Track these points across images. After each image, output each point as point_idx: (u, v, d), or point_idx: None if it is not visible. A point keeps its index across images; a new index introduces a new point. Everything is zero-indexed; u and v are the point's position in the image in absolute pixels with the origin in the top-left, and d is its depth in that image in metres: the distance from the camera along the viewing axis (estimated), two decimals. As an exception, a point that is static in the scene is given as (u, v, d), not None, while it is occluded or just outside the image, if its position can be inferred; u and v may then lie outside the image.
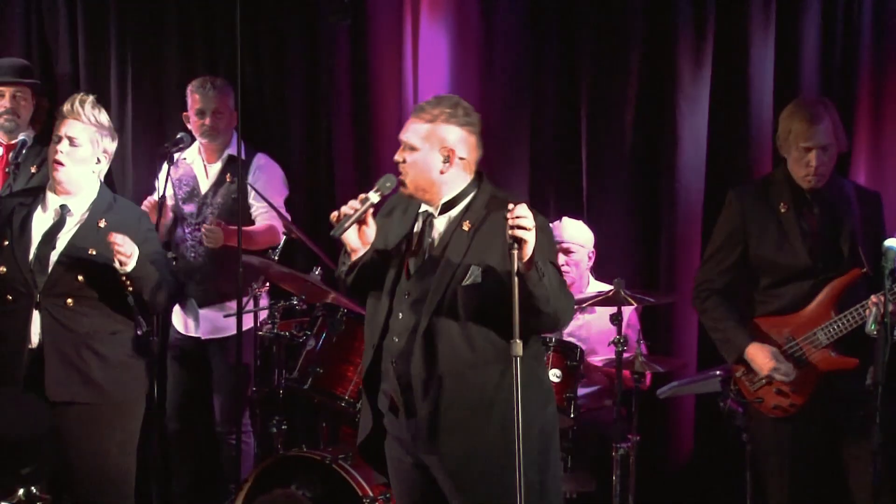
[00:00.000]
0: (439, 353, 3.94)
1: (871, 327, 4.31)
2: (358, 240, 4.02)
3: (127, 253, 4.48)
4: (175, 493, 6.19)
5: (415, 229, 4.08)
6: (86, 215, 4.67)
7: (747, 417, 4.95)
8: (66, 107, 4.64)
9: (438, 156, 3.97)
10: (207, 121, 5.86)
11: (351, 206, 3.97)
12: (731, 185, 5.57)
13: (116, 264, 4.50)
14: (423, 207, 4.08)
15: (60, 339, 4.58)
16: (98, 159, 4.67)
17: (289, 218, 5.86)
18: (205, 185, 5.96)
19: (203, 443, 6.18)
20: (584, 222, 5.99)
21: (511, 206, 3.69)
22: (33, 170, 5.69)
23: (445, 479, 4.00)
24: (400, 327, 4.02)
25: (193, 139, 5.96)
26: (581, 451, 5.49)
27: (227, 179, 5.88)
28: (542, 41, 6.23)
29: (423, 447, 4.02)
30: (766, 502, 4.86)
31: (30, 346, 4.60)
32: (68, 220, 4.66)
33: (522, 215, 3.65)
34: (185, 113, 6.05)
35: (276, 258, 5.74)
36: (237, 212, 5.58)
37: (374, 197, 3.98)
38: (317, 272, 5.66)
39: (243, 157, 5.85)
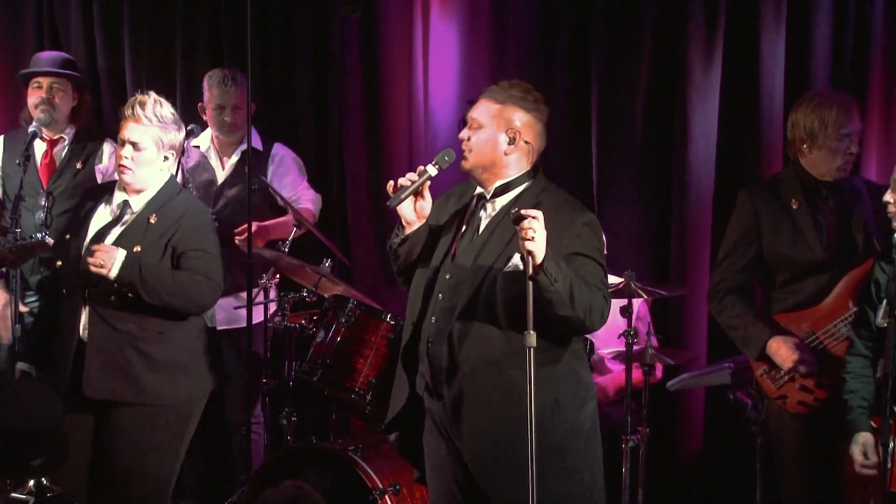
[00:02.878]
0: (472, 337, 3.97)
1: (880, 320, 4.29)
2: (413, 212, 4.08)
3: (98, 264, 4.47)
4: (186, 484, 6.19)
5: (468, 211, 4.13)
6: (139, 211, 4.66)
7: (761, 412, 4.95)
8: (127, 110, 4.65)
9: (504, 136, 4.02)
10: (227, 117, 5.87)
11: (408, 178, 4.02)
12: (742, 178, 5.70)
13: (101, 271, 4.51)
14: (478, 190, 4.12)
15: (103, 336, 4.59)
16: (165, 157, 4.66)
17: (297, 210, 5.86)
18: (220, 177, 5.96)
19: (214, 435, 6.16)
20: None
21: (513, 211, 3.72)
22: (78, 166, 5.73)
23: (472, 467, 4.02)
24: (439, 308, 4.06)
25: (203, 128, 5.96)
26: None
27: (246, 172, 5.87)
28: (552, 33, 6.21)
29: (452, 432, 4.05)
30: (780, 496, 4.84)
31: (77, 341, 4.61)
32: (126, 215, 4.66)
33: (527, 227, 3.68)
34: (200, 104, 6.06)
35: (287, 250, 5.74)
36: (257, 204, 5.58)
37: (431, 169, 4.03)
38: (327, 264, 5.66)
39: (260, 147, 5.90)
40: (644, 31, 6.08)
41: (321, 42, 6.53)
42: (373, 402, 5.28)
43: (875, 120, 5.79)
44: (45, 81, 5.87)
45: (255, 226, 5.68)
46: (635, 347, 5.32)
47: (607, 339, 5.65)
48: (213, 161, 5.98)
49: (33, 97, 5.88)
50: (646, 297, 5.38)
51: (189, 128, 5.66)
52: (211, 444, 6.19)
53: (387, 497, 4.92)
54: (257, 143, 5.95)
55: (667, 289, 5.55)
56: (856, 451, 4.28)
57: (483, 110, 4.06)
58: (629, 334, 5.28)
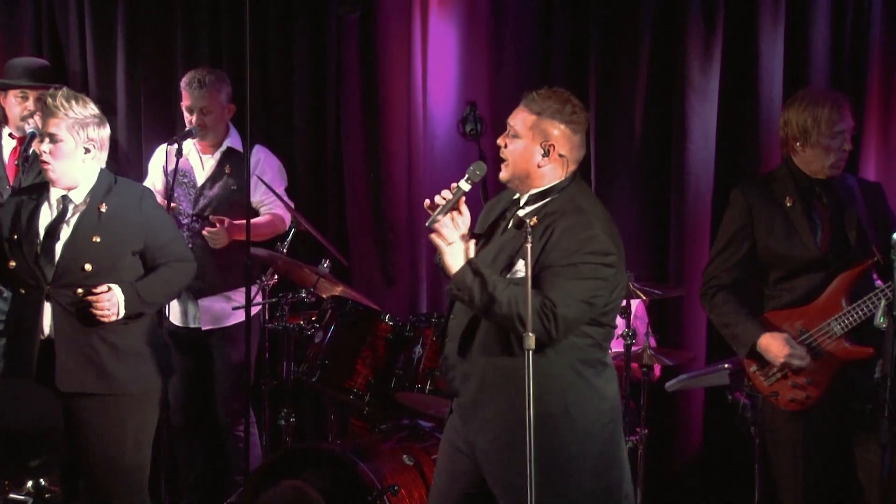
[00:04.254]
0: (481, 339, 4.05)
1: (879, 320, 4.28)
2: (453, 229, 4.07)
3: (107, 313, 4.54)
4: (183, 485, 6.19)
5: (502, 216, 4.21)
6: (86, 203, 4.68)
7: (759, 411, 4.93)
8: (41, 105, 4.66)
9: (539, 148, 4.06)
10: (194, 118, 5.85)
11: (443, 196, 4.05)
12: (741, 177, 5.67)
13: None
14: (515, 196, 4.19)
15: (71, 330, 4.60)
16: (86, 149, 4.66)
17: (292, 205, 5.86)
18: (201, 178, 5.95)
19: (209, 435, 6.16)
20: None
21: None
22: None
23: (482, 465, 4.07)
24: (460, 309, 4.13)
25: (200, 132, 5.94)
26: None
27: (226, 172, 5.87)
28: (550, 33, 6.19)
29: (464, 432, 4.12)
30: (777, 495, 4.84)
31: (42, 338, 4.62)
32: (70, 209, 4.67)
33: (435, 229, 3.91)
34: None
35: (285, 251, 5.74)
36: (235, 204, 5.57)
37: (464, 185, 4.06)
38: (326, 265, 5.66)
39: (244, 149, 5.80)
40: (642, 31, 6.06)
41: (319, 42, 6.51)
42: (371, 403, 5.29)
43: (874, 119, 5.79)
44: (31, 94, 5.91)
45: (226, 221, 5.69)
46: (634, 348, 5.32)
47: None
48: (194, 162, 5.96)
49: (19, 108, 5.92)
50: (644, 297, 5.37)
51: (187, 129, 5.78)
52: (206, 445, 6.19)
53: (385, 498, 4.91)
54: (237, 144, 5.94)
55: (665, 289, 5.55)
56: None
57: (520, 120, 4.09)
58: (627, 335, 5.27)
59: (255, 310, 5.78)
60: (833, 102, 4.64)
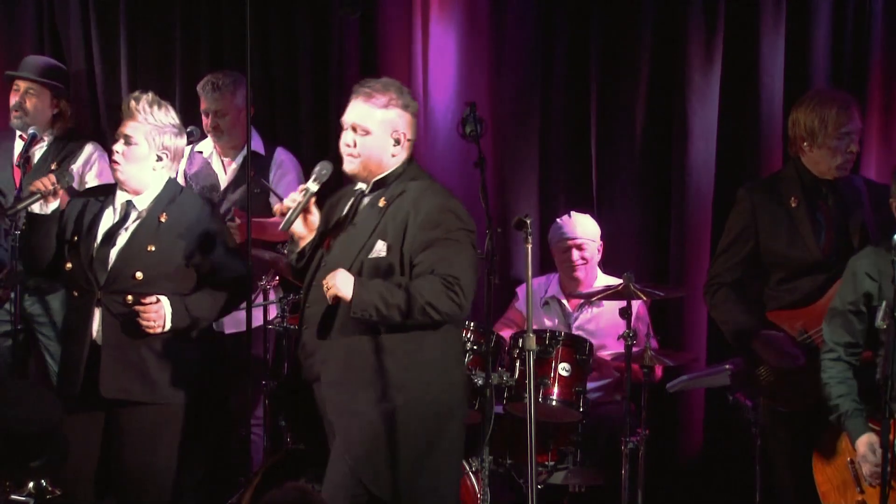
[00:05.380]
0: (338, 323, 4.19)
1: (879, 322, 4.27)
2: (304, 228, 4.32)
3: (153, 325, 4.54)
4: (186, 485, 6.16)
5: (349, 208, 4.38)
6: (147, 211, 4.67)
7: (758, 411, 4.94)
8: (123, 106, 4.66)
9: (391, 139, 4.23)
10: (209, 121, 5.86)
11: (292, 199, 4.22)
12: (742, 179, 5.66)
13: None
14: (358, 186, 4.35)
15: (118, 336, 4.58)
16: (158, 157, 4.64)
17: None
18: (223, 182, 5.95)
19: (214, 436, 6.05)
20: (594, 216, 6.00)
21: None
22: (53, 167, 5.70)
23: (337, 449, 4.25)
24: (314, 296, 4.27)
25: (204, 133, 5.95)
26: (590, 446, 5.49)
27: (250, 175, 5.86)
28: (551, 35, 6.21)
29: (326, 415, 4.29)
30: (776, 495, 4.84)
31: (92, 342, 4.61)
32: (132, 216, 4.66)
33: (328, 285, 4.07)
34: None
35: (287, 252, 5.72)
36: (259, 208, 5.58)
37: (312, 186, 4.27)
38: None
39: (262, 152, 5.89)
40: (643, 33, 6.08)
41: (321, 44, 6.50)
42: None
43: (874, 120, 5.79)
44: (22, 85, 5.88)
45: (255, 221, 5.69)
46: (634, 349, 5.31)
47: (607, 341, 5.71)
48: (216, 165, 5.96)
49: (11, 100, 5.91)
50: (645, 298, 5.37)
51: (188, 129, 5.69)
52: (209, 446, 6.05)
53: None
54: (259, 147, 5.94)
55: (666, 290, 5.54)
56: (868, 453, 4.28)
57: (367, 116, 4.23)
58: (628, 336, 5.26)
59: (261, 312, 5.75)
60: (841, 104, 4.64)
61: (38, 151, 5.81)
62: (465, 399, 4.43)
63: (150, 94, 4.66)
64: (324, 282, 4.10)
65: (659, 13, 6.07)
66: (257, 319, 5.65)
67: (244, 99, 5.76)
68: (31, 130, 5.60)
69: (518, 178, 6.23)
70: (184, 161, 5.76)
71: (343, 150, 4.27)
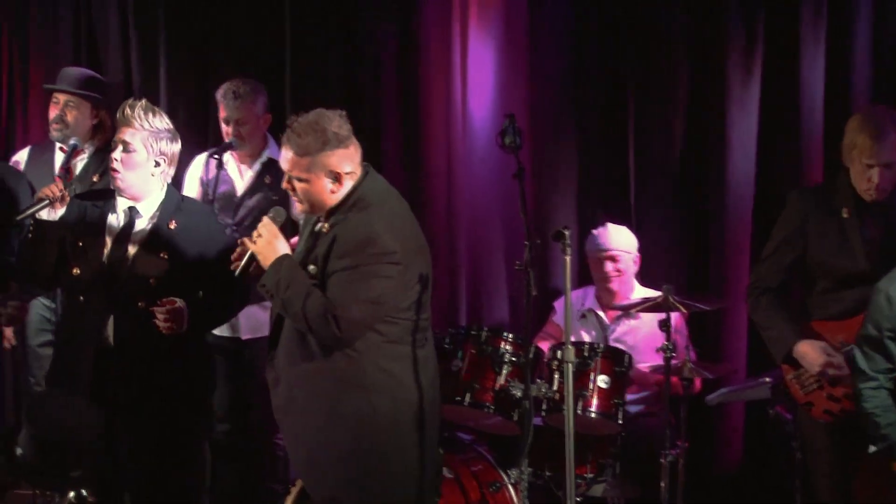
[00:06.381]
0: (284, 345, 4.28)
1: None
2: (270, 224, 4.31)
3: (170, 326, 4.56)
4: (223, 493, 6.17)
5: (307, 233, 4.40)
6: (156, 217, 4.70)
7: (798, 424, 4.90)
8: (119, 114, 4.68)
9: (327, 179, 4.20)
10: (230, 130, 5.85)
11: (240, 253, 4.30)
12: (782, 191, 5.60)
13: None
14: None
15: (131, 341, 4.60)
16: (156, 162, 4.67)
17: None
18: (240, 188, 5.94)
19: (248, 444, 6.12)
20: (632, 227, 5.98)
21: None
22: (95, 179, 5.72)
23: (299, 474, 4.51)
24: (274, 317, 4.39)
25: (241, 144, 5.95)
26: (629, 458, 5.45)
27: (266, 183, 5.86)
28: (588, 46, 6.23)
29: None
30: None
31: (100, 348, 4.62)
32: (137, 222, 4.69)
33: (256, 235, 4.20)
34: None
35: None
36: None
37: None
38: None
39: (279, 158, 5.81)
40: (681, 42, 6.07)
41: (356, 54, 6.51)
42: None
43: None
44: (61, 98, 5.89)
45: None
46: (673, 361, 5.29)
47: (645, 353, 5.66)
48: (233, 172, 5.94)
49: (51, 113, 5.91)
50: (684, 310, 5.35)
51: (229, 141, 5.75)
52: (245, 454, 6.14)
53: None
54: (277, 154, 5.91)
55: (705, 302, 5.49)
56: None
57: (295, 166, 4.22)
58: (667, 348, 5.24)
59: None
60: (873, 134, 4.55)
61: (80, 163, 5.82)
62: (419, 417, 4.31)
63: (144, 101, 4.69)
64: (254, 233, 4.22)
65: (697, 23, 6.07)
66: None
67: (264, 107, 5.85)
68: (71, 141, 5.61)
69: (556, 189, 6.22)
70: (199, 168, 5.81)
71: (290, 193, 4.31)
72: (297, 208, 4.33)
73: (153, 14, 6.70)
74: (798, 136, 5.90)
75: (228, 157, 5.90)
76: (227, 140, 5.83)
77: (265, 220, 4.22)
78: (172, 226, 4.68)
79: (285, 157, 4.24)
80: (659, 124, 6.13)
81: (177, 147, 4.74)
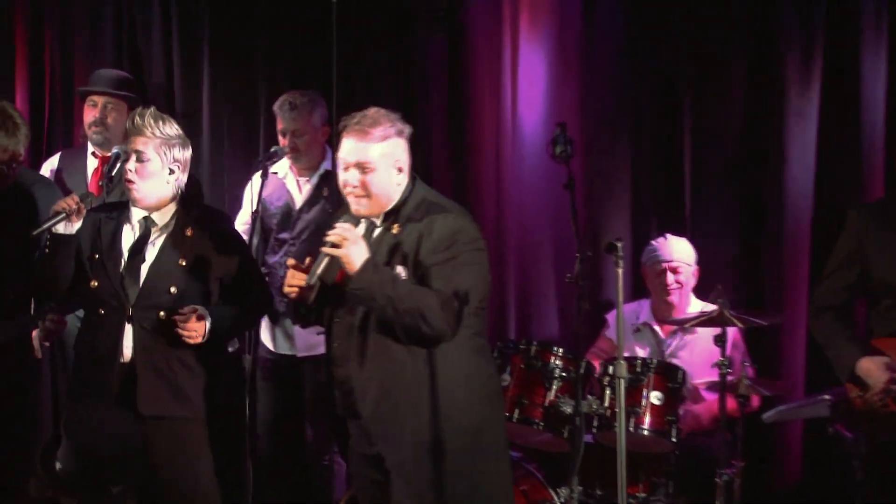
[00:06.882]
0: (371, 352, 4.17)
1: None
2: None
3: (195, 335, 4.54)
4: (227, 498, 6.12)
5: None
6: (171, 226, 4.69)
7: (860, 443, 4.84)
8: (128, 124, 4.68)
9: (394, 171, 4.19)
10: (286, 141, 5.82)
11: (309, 264, 4.17)
12: (842, 203, 5.60)
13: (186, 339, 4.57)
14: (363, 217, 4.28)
15: (153, 353, 4.58)
16: (171, 170, 4.66)
17: None
18: (298, 201, 5.91)
19: (294, 464, 6.11)
20: (688, 238, 5.93)
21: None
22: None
23: (394, 480, 4.21)
24: (339, 331, 4.26)
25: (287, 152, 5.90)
26: (683, 477, 5.41)
27: (324, 195, 5.82)
28: (642, 53, 6.20)
29: (371, 450, 4.26)
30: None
31: (122, 360, 4.61)
32: (153, 231, 4.68)
33: (340, 239, 4.04)
34: None
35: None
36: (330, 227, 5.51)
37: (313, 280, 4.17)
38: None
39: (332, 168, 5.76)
40: (737, 50, 6.03)
41: (405, 62, 6.50)
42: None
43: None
44: (99, 100, 5.88)
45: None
46: (729, 377, 5.23)
47: (701, 369, 5.59)
48: (291, 186, 5.92)
49: (88, 116, 5.90)
50: (740, 325, 5.29)
51: (273, 149, 5.69)
52: (291, 474, 6.12)
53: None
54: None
55: (762, 317, 5.43)
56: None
57: (368, 152, 4.16)
58: (723, 364, 5.19)
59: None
60: None
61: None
62: (502, 406, 4.46)
63: (153, 109, 4.69)
64: (333, 233, 4.07)
65: (754, 28, 6.02)
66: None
67: (322, 118, 5.80)
68: (115, 150, 5.55)
69: (608, 200, 6.20)
70: (256, 183, 5.73)
71: (347, 190, 4.23)
72: (356, 208, 4.22)
73: (196, 14, 6.71)
74: (859, 147, 5.85)
75: (287, 171, 5.91)
76: (273, 149, 5.76)
77: (344, 224, 4.12)
78: (189, 233, 4.67)
79: (352, 147, 4.18)
80: (715, 133, 6.09)
81: (188, 153, 4.73)
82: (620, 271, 4.16)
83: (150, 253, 4.65)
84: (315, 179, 5.88)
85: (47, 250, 4.65)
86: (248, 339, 5.33)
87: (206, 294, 4.66)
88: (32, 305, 5.18)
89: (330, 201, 5.69)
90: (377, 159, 4.15)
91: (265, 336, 5.90)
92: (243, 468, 5.27)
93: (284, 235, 5.85)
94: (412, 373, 4.14)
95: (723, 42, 6.06)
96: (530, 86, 6.28)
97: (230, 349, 4.83)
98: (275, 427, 5.98)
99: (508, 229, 6.34)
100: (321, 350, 5.57)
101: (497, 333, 6.19)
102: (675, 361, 5.54)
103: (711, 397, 5.60)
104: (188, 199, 4.78)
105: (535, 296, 6.30)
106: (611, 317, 5.93)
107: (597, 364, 5.41)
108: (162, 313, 4.57)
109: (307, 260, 4.20)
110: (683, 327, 5.68)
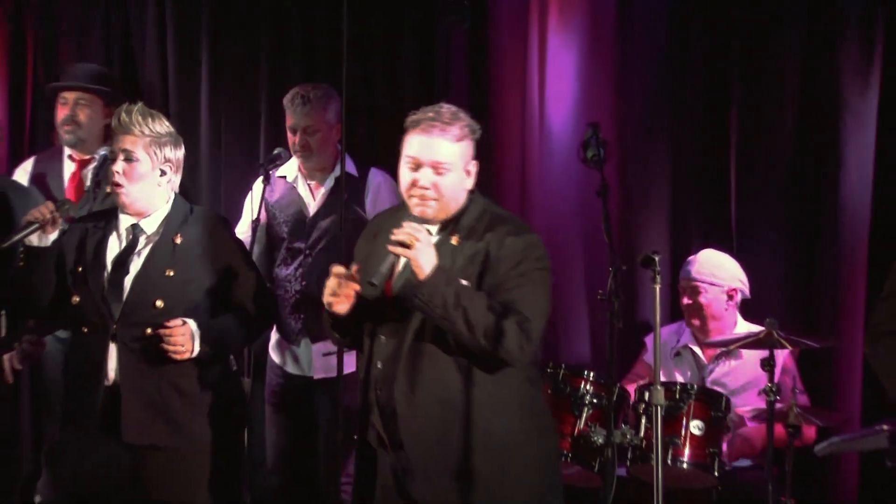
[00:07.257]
0: (423, 376, 3.97)
1: None
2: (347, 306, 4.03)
3: (181, 349, 4.37)
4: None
5: None
6: (159, 233, 4.52)
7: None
8: (114, 121, 4.51)
9: (465, 174, 4.04)
10: (297, 139, 5.59)
11: (356, 270, 3.99)
12: None
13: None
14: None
15: (139, 375, 4.41)
16: (162, 171, 4.48)
17: None
18: (312, 208, 5.67)
19: (306, 493, 5.90)
20: (733, 254, 5.75)
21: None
22: (108, 190, 5.44)
23: None
24: (383, 352, 4.05)
25: (291, 155, 5.73)
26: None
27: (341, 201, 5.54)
28: (684, 48, 6.05)
29: (410, 483, 4.05)
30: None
31: (106, 384, 4.43)
32: (141, 240, 4.49)
33: (411, 239, 3.82)
34: None
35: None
36: (351, 235, 5.20)
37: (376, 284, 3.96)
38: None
39: (355, 173, 5.62)
40: (790, 48, 5.87)
41: (426, 57, 6.34)
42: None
43: None
44: (70, 96, 5.71)
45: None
46: (778, 405, 5.03)
47: (747, 396, 5.49)
48: (303, 191, 5.71)
49: (59, 115, 5.74)
50: (789, 347, 5.11)
51: (276, 151, 5.48)
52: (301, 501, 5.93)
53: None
54: (352, 167, 5.68)
55: (815, 339, 5.25)
56: None
57: (445, 152, 3.98)
58: (771, 391, 4.99)
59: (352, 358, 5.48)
60: None
61: (89, 172, 5.59)
62: (558, 442, 4.42)
63: (141, 105, 4.51)
64: (401, 232, 3.84)
65: (809, 25, 5.87)
66: (349, 365, 5.34)
67: (336, 115, 5.59)
68: (101, 151, 5.44)
69: (646, 209, 6.06)
70: (257, 189, 5.58)
71: (414, 191, 4.00)
72: (420, 211, 3.99)
73: (195, 11, 6.62)
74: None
75: (296, 174, 5.70)
76: (275, 151, 5.56)
77: (414, 224, 3.90)
78: (178, 240, 4.49)
79: (430, 145, 3.97)
80: (764, 138, 5.92)
81: (181, 152, 4.57)
82: (658, 287, 4.00)
83: (136, 264, 4.48)
84: (330, 183, 5.65)
85: (21, 264, 4.49)
86: (248, 360, 5.19)
87: (197, 307, 4.47)
88: (3, 326, 5.05)
89: (348, 206, 5.39)
90: (454, 160, 3.98)
91: (275, 356, 5.74)
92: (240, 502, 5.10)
93: (299, 245, 5.61)
94: (466, 401, 3.96)
95: (774, 39, 5.91)
96: (560, 82, 6.16)
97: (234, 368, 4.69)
98: (285, 456, 5.82)
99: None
100: (335, 373, 5.42)
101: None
102: (718, 388, 5.37)
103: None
104: (182, 203, 4.60)
105: (564, 314, 6.14)
106: (649, 340, 5.78)
107: (632, 390, 5.27)
108: (148, 330, 4.39)
109: (353, 267, 3.99)
110: (728, 351, 5.53)
